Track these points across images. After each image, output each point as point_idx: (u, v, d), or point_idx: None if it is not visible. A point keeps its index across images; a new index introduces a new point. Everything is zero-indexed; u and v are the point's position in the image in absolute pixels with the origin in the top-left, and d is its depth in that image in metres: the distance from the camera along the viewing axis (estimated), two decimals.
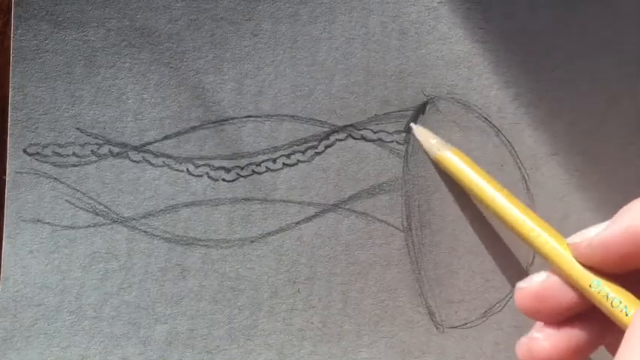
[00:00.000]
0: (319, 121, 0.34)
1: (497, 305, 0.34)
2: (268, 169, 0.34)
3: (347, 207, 0.34)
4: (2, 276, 0.33)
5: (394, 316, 0.34)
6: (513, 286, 0.34)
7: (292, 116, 0.34)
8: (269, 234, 0.34)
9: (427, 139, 0.34)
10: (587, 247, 0.26)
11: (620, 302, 0.25)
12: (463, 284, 0.34)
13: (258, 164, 0.34)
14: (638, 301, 0.26)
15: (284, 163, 0.34)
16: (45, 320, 0.34)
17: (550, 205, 0.34)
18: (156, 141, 0.34)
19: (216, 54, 0.34)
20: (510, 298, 0.34)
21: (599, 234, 0.26)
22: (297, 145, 0.34)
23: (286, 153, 0.34)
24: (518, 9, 0.34)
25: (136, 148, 0.34)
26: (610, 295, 0.26)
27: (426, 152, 0.34)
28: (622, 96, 0.35)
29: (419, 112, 0.35)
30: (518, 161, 0.34)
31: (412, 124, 0.34)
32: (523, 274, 0.34)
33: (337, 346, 0.34)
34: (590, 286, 0.26)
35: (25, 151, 0.33)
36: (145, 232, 0.34)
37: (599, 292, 0.26)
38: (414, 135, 0.34)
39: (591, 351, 0.28)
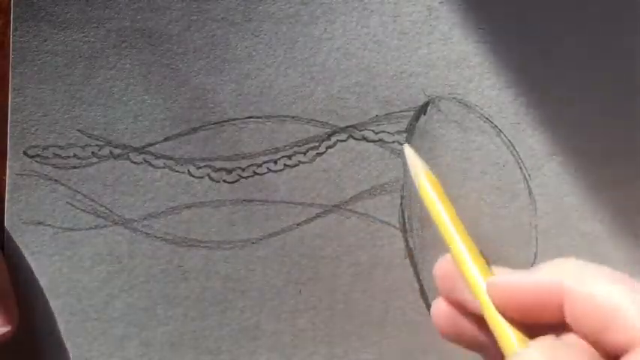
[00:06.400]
0: (320, 121, 0.34)
1: None
2: (269, 170, 0.34)
3: (348, 208, 0.34)
4: None
5: (396, 317, 0.34)
6: None
7: (293, 117, 0.34)
8: (270, 235, 0.34)
9: (413, 160, 0.32)
10: (491, 288, 0.27)
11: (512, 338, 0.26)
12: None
13: (260, 165, 0.34)
14: (528, 341, 0.26)
15: (285, 164, 0.34)
16: (47, 322, 0.34)
17: (551, 204, 0.35)
18: (157, 142, 0.34)
19: (217, 55, 0.34)
20: None
21: (505, 280, 0.26)
22: (299, 146, 0.34)
23: (287, 154, 0.34)
24: (519, 9, 0.34)
25: (136, 150, 0.34)
26: (507, 330, 0.26)
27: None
28: (622, 95, 0.35)
29: (420, 113, 0.34)
30: (520, 161, 0.35)
31: (404, 145, 0.33)
32: None
33: (339, 347, 0.34)
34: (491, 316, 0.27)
35: (25, 152, 0.33)
36: (146, 233, 0.34)
37: (496, 324, 0.26)
38: (403, 153, 0.34)
39: None
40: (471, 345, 0.29)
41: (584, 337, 0.25)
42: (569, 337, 0.25)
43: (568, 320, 0.25)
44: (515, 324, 0.26)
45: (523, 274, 0.26)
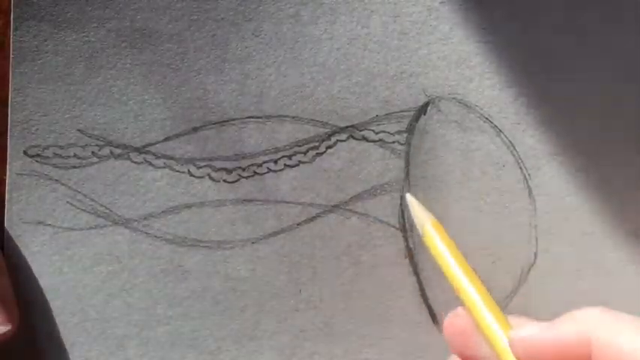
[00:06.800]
0: (320, 121, 0.34)
1: None
2: (270, 170, 0.34)
3: (348, 208, 0.34)
4: None
5: (395, 317, 0.34)
6: (514, 286, 0.34)
7: (293, 117, 0.34)
8: (271, 235, 0.34)
9: (416, 210, 0.32)
10: (514, 343, 0.26)
11: None
12: None
13: (260, 165, 0.34)
14: None
15: (285, 164, 0.34)
16: (47, 322, 0.34)
17: (551, 205, 0.35)
18: (157, 142, 0.34)
19: (218, 54, 0.34)
20: (512, 298, 0.34)
21: (529, 334, 0.26)
22: (299, 146, 0.34)
23: (288, 154, 0.34)
24: (520, 9, 0.34)
25: (137, 150, 0.34)
26: None
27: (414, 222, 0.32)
28: (622, 96, 0.35)
29: (420, 113, 0.34)
30: (520, 161, 0.35)
31: (407, 194, 0.33)
32: (523, 275, 0.34)
33: (339, 347, 0.34)
34: None
35: (25, 152, 0.33)
36: (146, 233, 0.34)
37: None
38: (405, 203, 0.33)
39: None
40: None
41: None
42: None
43: None
44: None
45: (546, 327, 0.26)
